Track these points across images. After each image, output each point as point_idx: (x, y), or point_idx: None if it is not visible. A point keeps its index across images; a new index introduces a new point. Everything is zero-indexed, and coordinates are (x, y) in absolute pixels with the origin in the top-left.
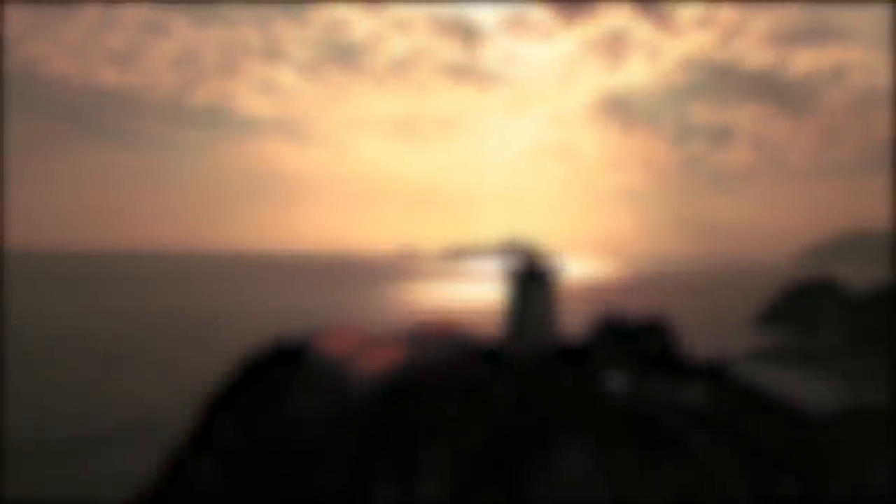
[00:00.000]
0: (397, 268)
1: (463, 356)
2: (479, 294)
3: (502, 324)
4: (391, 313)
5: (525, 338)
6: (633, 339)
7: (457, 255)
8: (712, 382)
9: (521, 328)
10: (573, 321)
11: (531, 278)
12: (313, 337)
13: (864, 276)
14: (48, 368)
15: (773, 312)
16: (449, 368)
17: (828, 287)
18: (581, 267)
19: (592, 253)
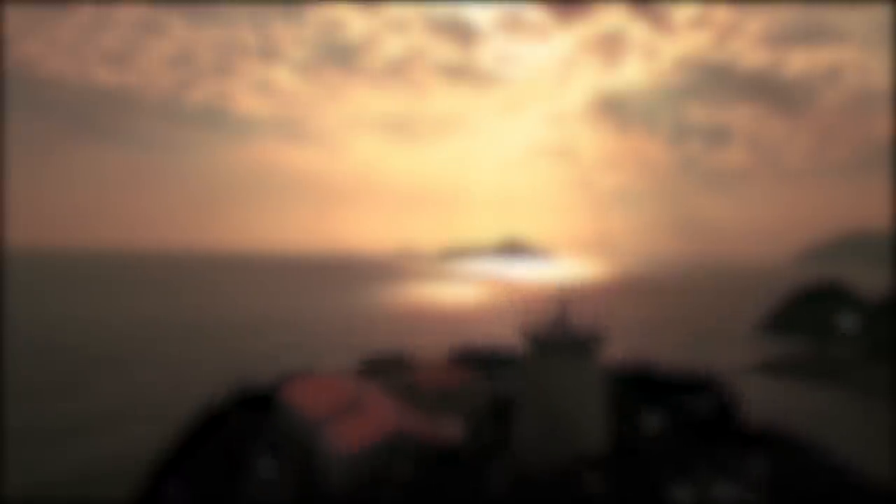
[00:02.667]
0: (396, 268)
1: (469, 423)
2: (477, 295)
3: (518, 420)
4: (390, 315)
5: (559, 443)
6: (675, 398)
7: (454, 256)
8: (777, 454)
9: (551, 428)
10: None
11: (566, 351)
12: (285, 385)
13: (865, 276)
14: (47, 367)
15: (782, 319)
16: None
17: (838, 292)
18: (578, 268)
19: (588, 253)
